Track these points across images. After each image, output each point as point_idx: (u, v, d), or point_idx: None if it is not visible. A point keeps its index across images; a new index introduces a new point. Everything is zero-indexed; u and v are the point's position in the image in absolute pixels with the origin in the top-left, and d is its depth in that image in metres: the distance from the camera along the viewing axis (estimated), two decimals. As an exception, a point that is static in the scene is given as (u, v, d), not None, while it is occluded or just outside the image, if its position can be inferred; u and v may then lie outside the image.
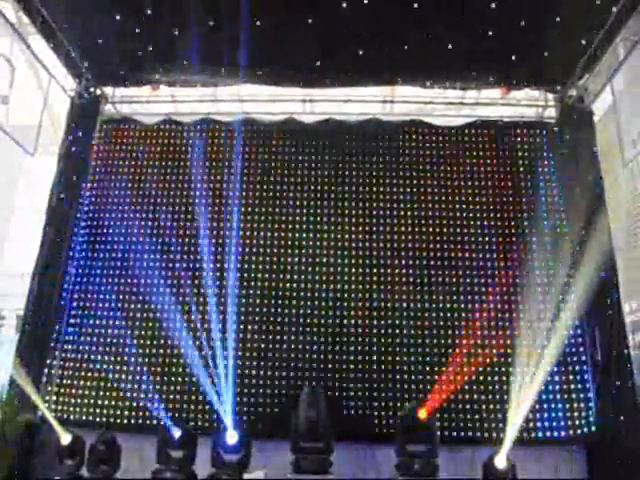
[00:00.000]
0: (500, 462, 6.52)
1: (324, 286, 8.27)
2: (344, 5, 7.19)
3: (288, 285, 8.32)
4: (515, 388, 7.44)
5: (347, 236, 8.52)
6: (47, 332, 8.02)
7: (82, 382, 7.92)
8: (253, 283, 8.33)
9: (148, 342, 8.09)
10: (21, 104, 8.29)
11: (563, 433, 7.46)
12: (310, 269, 8.37)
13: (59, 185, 8.64)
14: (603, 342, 7.59)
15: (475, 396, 7.65)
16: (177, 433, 6.82)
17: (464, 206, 8.61)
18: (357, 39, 7.80)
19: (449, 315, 8.04)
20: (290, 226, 8.61)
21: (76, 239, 8.68)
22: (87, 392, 7.86)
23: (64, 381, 8.01)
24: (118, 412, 7.73)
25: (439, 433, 6.97)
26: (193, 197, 8.80)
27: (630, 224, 9.47)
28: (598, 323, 7.71)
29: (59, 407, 7.83)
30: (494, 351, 7.79)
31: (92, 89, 9.19)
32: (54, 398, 7.87)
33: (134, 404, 7.72)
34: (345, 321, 8.07)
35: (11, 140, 8.15)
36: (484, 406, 7.60)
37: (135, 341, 8.02)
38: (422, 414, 6.89)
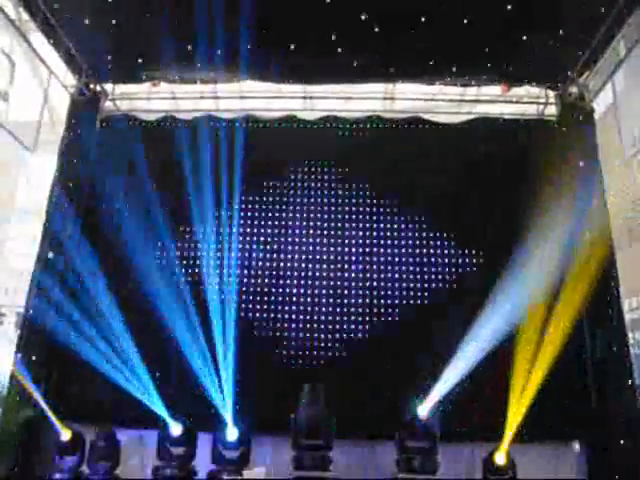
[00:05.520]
0: (500, 459, 6.53)
1: (324, 285, 8.28)
2: (344, 2, 7.20)
3: (288, 283, 8.33)
4: (515, 385, 7.43)
5: (347, 234, 8.52)
6: (47, 329, 8.00)
7: (82, 378, 7.91)
8: (253, 280, 8.33)
9: (148, 338, 8.08)
10: (21, 100, 8.28)
11: (563, 432, 7.47)
12: (311, 267, 8.37)
13: (59, 182, 8.62)
14: (603, 340, 7.60)
15: (475, 393, 7.64)
16: (177, 430, 6.82)
17: (464, 203, 8.60)
18: (357, 36, 7.78)
19: (450, 312, 8.04)
20: (290, 223, 8.61)
21: (76, 236, 8.65)
22: (87, 389, 7.86)
23: (64, 377, 8.01)
24: (118, 408, 7.72)
25: (439, 429, 6.98)
26: (193, 194, 8.78)
27: (630, 221, 9.48)
28: (598, 321, 7.72)
29: (59, 403, 7.81)
30: (495, 348, 7.78)
31: (92, 86, 9.16)
32: (54, 395, 7.85)
33: (134, 400, 7.70)
34: (345, 317, 8.08)
35: (11, 137, 8.14)
36: (484, 403, 7.60)
37: (135, 337, 8.00)
38: (422, 411, 6.88)
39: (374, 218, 8.60)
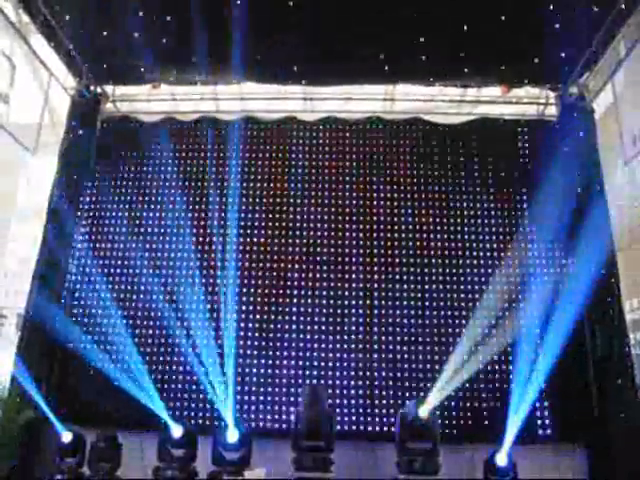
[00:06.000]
0: (501, 460, 6.52)
1: (324, 284, 8.27)
2: (344, 3, 7.20)
3: (288, 283, 8.32)
4: (516, 387, 7.43)
5: (347, 234, 8.52)
6: (48, 330, 8.01)
7: (83, 380, 7.93)
8: (253, 281, 8.33)
9: (149, 340, 8.10)
10: (21, 103, 8.30)
11: (563, 432, 7.46)
12: (310, 267, 8.36)
13: (59, 184, 8.64)
14: (604, 341, 7.59)
15: (476, 394, 7.65)
16: (178, 431, 6.82)
17: (465, 203, 8.61)
18: (358, 37, 7.78)
19: (450, 313, 8.05)
20: (290, 224, 8.60)
21: (76, 238, 8.67)
22: (88, 390, 7.86)
23: (65, 379, 8.02)
24: (119, 410, 7.73)
25: (440, 431, 6.98)
26: (193, 195, 8.80)
27: (631, 222, 9.45)
28: (599, 322, 7.70)
29: (60, 405, 7.82)
30: (495, 349, 7.80)
31: (92, 87, 9.18)
32: (55, 396, 7.86)
33: (135, 402, 7.72)
34: (345, 319, 8.08)
35: (11, 138, 8.15)
36: (485, 404, 7.60)
37: (135, 339, 8.03)
38: (423, 412, 6.87)
39: (374, 219, 8.60)
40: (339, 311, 8.13)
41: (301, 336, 8.03)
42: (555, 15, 7.15)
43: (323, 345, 7.98)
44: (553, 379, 7.52)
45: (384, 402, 7.69)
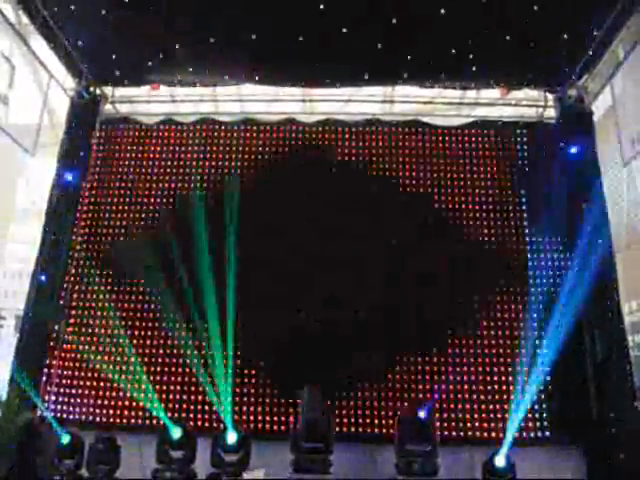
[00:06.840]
0: (500, 462, 6.53)
1: (324, 286, 8.26)
2: (344, 4, 7.21)
3: (288, 285, 8.31)
4: (515, 388, 7.44)
5: (347, 236, 8.51)
6: (47, 332, 8.01)
7: (81, 382, 7.93)
8: (252, 282, 8.31)
9: (148, 342, 8.10)
10: (21, 104, 8.27)
11: (562, 433, 7.47)
12: (309, 268, 8.35)
13: (59, 185, 8.64)
14: (603, 343, 7.60)
15: (475, 396, 7.66)
16: (177, 433, 6.81)
17: (463, 206, 8.62)
18: (357, 39, 7.79)
19: (449, 315, 8.04)
20: (289, 225, 8.58)
21: (76, 239, 8.67)
22: (86, 392, 7.87)
23: (63, 381, 8.01)
24: (118, 412, 7.73)
25: (439, 433, 6.98)
26: (192, 197, 8.80)
27: (630, 223, 9.49)
28: (598, 324, 7.70)
29: (58, 407, 7.83)
30: (494, 351, 7.81)
31: (92, 89, 9.17)
32: (53, 398, 7.87)
33: (134, 404, 7.72)
34: (345, 320, 8.06)
35: (11, 140, 8.14)
36: (484, 406, 7.61)
37: (135, 341, 8.03)
38: (422, 413, 6.88)
39: (374, 221, 8.59)
40: (338, 312, 8.11)
41: (300, 337, 8.01)
42: (554, 17, 7.16)
43: (322, 345, 7.96)
44: (552, 381, 7.54)
45: (383, 404, 7.69)
